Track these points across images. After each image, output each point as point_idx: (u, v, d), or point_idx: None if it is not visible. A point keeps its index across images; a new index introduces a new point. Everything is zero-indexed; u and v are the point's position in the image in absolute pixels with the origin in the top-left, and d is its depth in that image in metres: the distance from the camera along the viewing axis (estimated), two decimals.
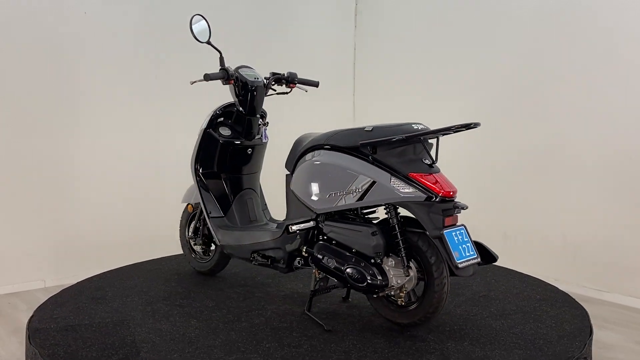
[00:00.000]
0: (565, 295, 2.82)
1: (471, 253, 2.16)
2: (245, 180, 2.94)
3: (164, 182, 3.84)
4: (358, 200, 2.22)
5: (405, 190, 2.14)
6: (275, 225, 2.73)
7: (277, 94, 2.94)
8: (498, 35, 3.73)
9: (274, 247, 2.58)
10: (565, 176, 3.39)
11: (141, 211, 3.77)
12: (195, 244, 3.04)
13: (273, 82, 2.86)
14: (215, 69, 2.77)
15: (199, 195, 2.85)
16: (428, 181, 2.12)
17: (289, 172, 2.60)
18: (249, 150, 2.89)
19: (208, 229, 2.90)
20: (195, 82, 2.82)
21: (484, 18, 3.81)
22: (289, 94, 2.96)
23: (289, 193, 2.55)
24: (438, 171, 2.19)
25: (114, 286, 2.90)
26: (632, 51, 3.10)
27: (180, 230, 3.14)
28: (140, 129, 3.72)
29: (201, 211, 2.94)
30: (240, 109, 2.81)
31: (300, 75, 2.94)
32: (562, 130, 3.41)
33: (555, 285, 3.02)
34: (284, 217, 2.69)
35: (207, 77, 2.70)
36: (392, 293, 2.27)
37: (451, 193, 2.12)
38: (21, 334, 2.62)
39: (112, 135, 3.61)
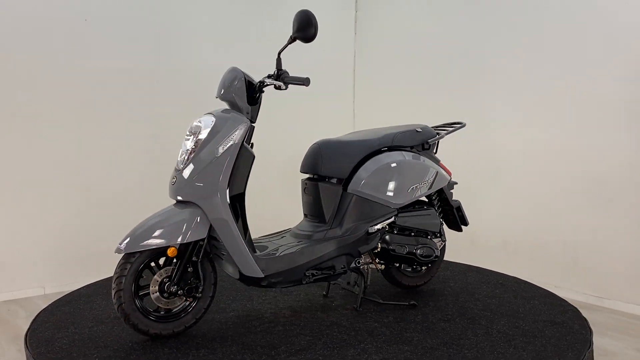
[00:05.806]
0: (565, 302, 2.82)
1: None
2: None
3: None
4: (429, 189, 2.71)
5: (447, 175, 2.80)
6: (313, 234, 2.54)
7: None
8: (495, 39, 3.74)
9: (345, 253, 2.52)
10: (565, 182, 3.39)
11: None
12: (175, 297, 2.30)
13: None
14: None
15: (228, 226, 2.28)
16: (446, 167, 2.84)
17: (326, 177, 2.61)
18: None
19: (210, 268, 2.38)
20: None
21: (481, 22, 3.82)
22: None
23: (341, 197, 2.57)
24: None
25: None
26: (631, 52, 3.11)
27: (124, 285, 2.25)
28: (142, 135, 3.72)
29: (198, 250, 2.33)
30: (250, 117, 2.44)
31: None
32: (561, 135, 3.41)
33: (555, 293, 3.02)
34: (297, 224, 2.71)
35: (308, 82, 2.42)
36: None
37: None
38: (20, 342, 2.61)
39: (113, 140, 3.61)
